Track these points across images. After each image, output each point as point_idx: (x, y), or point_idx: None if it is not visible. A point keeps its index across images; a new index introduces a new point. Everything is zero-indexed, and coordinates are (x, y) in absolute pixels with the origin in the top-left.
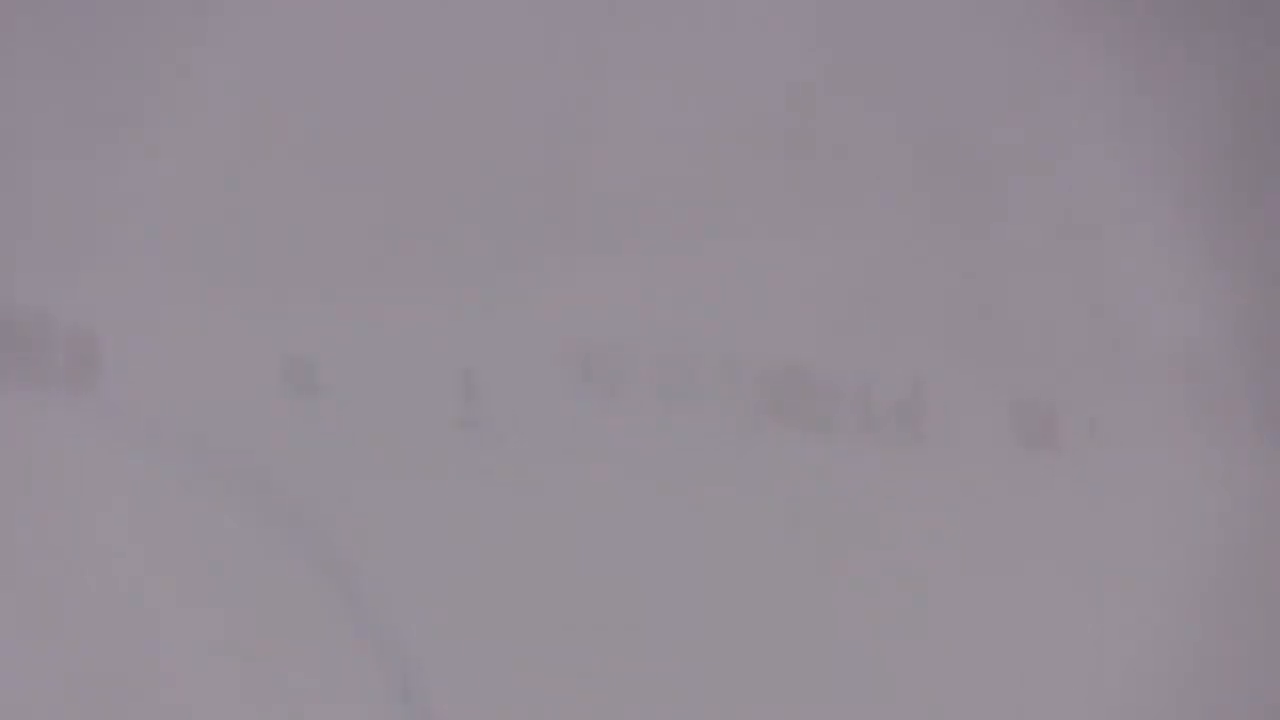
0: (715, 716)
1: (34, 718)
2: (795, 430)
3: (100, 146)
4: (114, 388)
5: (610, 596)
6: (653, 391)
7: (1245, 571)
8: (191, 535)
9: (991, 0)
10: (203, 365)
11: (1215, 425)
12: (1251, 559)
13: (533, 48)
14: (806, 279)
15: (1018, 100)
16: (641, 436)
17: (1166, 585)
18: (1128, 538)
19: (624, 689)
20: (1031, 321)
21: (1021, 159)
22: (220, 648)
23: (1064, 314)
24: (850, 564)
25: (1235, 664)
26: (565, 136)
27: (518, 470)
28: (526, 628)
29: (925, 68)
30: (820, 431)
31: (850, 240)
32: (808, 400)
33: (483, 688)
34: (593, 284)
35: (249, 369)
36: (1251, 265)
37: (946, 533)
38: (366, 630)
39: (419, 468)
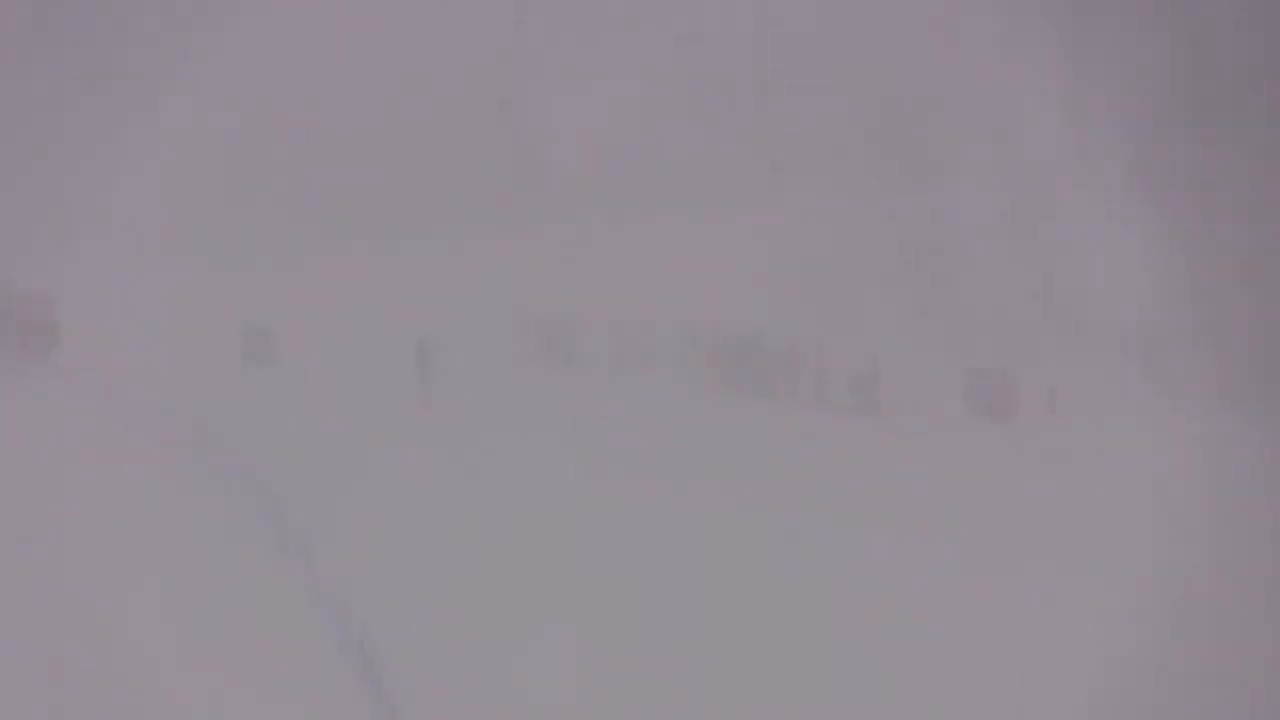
0: (673, 677)
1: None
2: (751, 399)
3: (63, 121)
4: (73, 357)
5: (567, 562)
6: (609, 361)
7: (1202, 536)
8: (151, 504)
9: None
10: (162, 335)
11: (1171, 393)
12: (1209, 523)
13: (490, 23)
14: (762, 250)
15: (971, 74)
16: (598, 405)
17: (1124, 552)
18: (1085, 505)
19: (579, 647)
20: (986, 292)
21: (975, 132)
22: (175, 614)
23: (1019, 285)
24: (806, 532)
25: (1193, 627)
26: (521, 112)
27: (474, 437)
28: (483, 595)
29: (877, 42)
30: (777, 400)
31: (806, 212)
32: (764, 370)
33: (440, 657)
34: (549, 255)
35: (209, 339)
36: (1205, 235)
37: (903, 502)
38: (325, 603)
39: (377, 435)
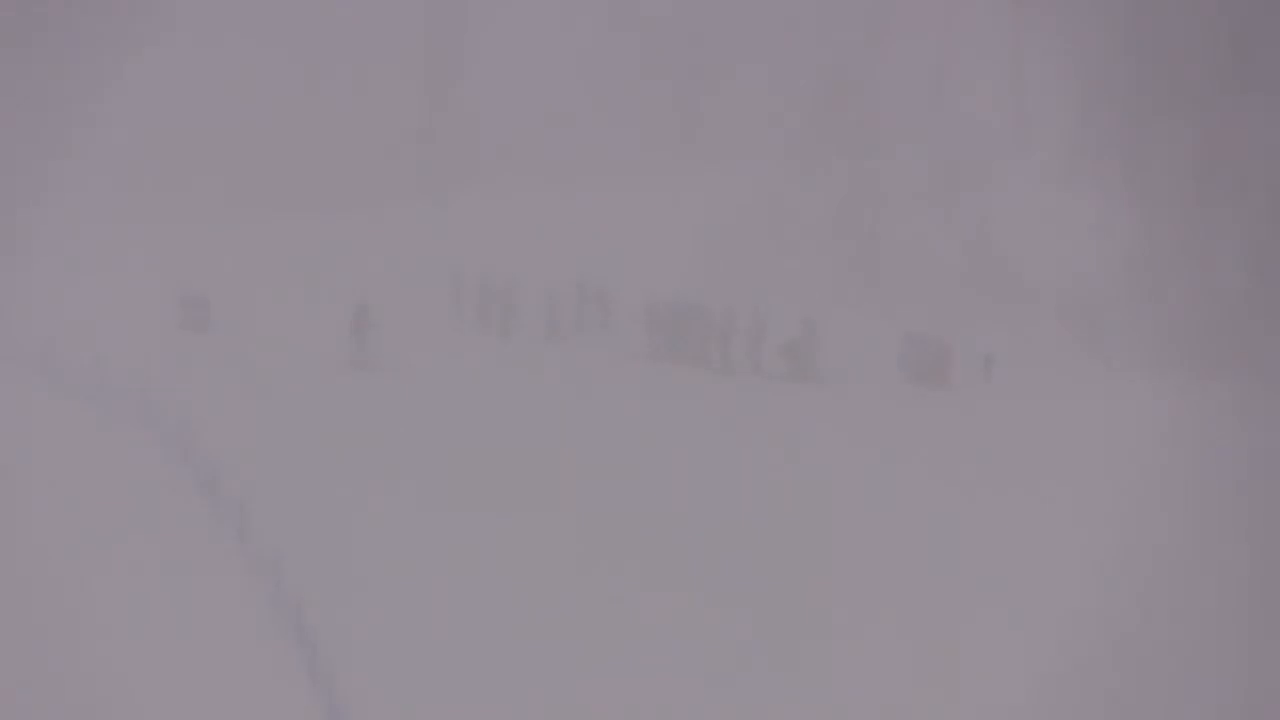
0: (610, 633)
1: None
2: (687, 367)
3: (6, 93)
4: (8, 323)
5: (501, 532)
6: (544, 328)
7: (1137, 502)
8: (89, 473)
9: None
10: (100, 303)
11: (1106, 358)
12: (1143, 488)
13: None
14: (697, 217)
15: (902, 36)
16: (533, 372)
17: (1060, 518)
18: (1022, 472)
19: (512, 616)
20: (921, 258)
21: (908, 95)
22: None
23: (954, 250)
24: (743, 500)
25: (1128, 593)
26: (454, 80)
27: (409, 402)
28: (419, 562)
29: (814, 7)
30: (712, 368)
31: (741, 179)
32: (699, 337)
33: (376, 630)
34: (484, 223)
35: (145, 307)
36: (1141, 200)
37: (839, 469)
38: (260, 571)
39: (314, 402)
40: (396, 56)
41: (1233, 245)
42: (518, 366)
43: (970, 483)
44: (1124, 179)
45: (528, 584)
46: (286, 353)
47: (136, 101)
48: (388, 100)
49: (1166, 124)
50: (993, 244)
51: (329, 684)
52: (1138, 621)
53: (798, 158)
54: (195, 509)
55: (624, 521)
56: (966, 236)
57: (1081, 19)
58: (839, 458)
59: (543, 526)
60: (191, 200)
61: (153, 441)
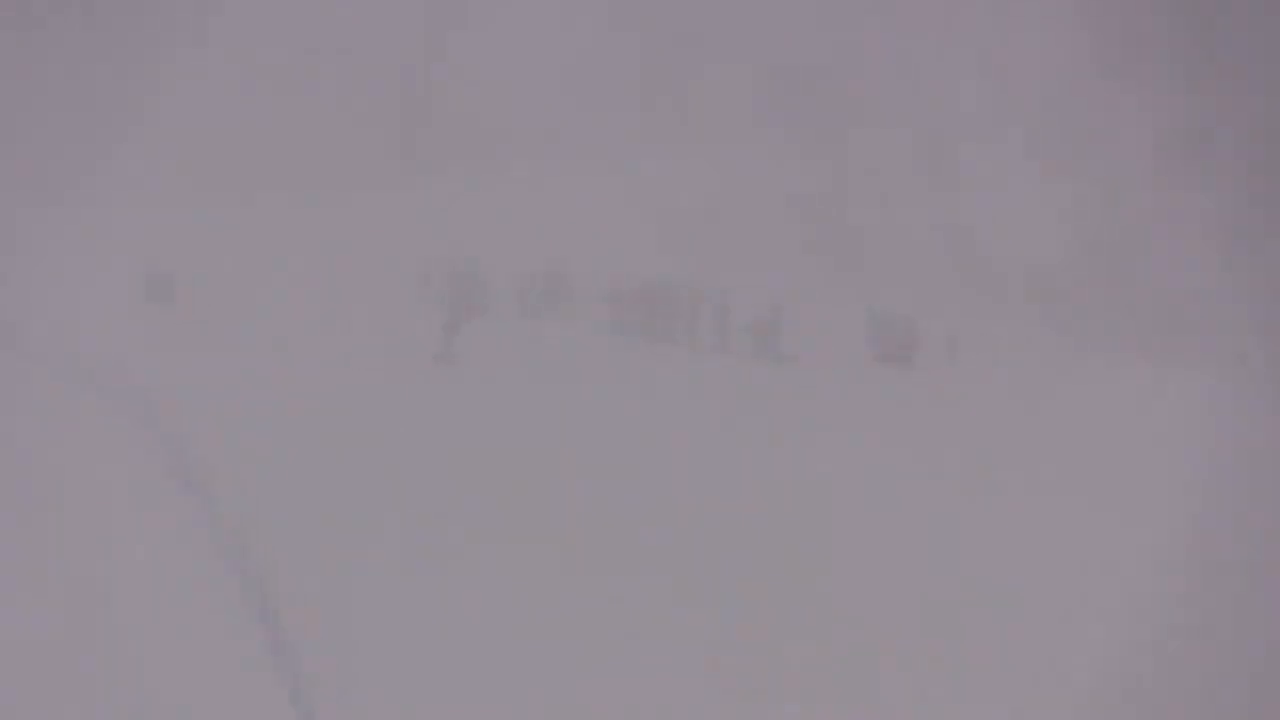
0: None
1: None
2: (655, 347)
3: None
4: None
5: (472, 512)
6: (515, 308)
7: (1099, 483)
8: (52, 447)
9: None
10: (67, 279)
11: (1070, 341)
12: (1106, 470)
13: None
14: (664, 197)
15: (874, 20)
16: (505, 353)
17: (1024, 498)
18: (986, 453)
19: (502, 593)
20: (889, 239)
21: (878, 78)
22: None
23: (921, 232)
24: (711, 481)
25: (1094, 569)
26: (427, 64)
27: (380, 383)
28: (375, 535)
29: None
30: (680, 348)
31: (708, 160)
32: (667, 318)
33: (351, 617)
34: (455, 205)
35: (112, 283)
36: (1106, 183)
37: (807, 450)
38: (242, 571)
39: (288, 385)
40: (392, 52)
41: (1202, 229)
42: (487, 349)
43: (938, 465)
44: (1091, 162)
45: (507, 576)
46: (269, 338)
47: (126, 90)
48: (378, 93)
49: (1136, 108)
50: (964, 229)
51: (310, 682)
52: (1123, 609)
53: (766, 139)
54: (175, 502)
55: (595, 506)
56: (934, 217)
57: (1051, 3)
58: (806, 436)
59: (515, 514)
60: (178, 186)
61: (129, 427)
